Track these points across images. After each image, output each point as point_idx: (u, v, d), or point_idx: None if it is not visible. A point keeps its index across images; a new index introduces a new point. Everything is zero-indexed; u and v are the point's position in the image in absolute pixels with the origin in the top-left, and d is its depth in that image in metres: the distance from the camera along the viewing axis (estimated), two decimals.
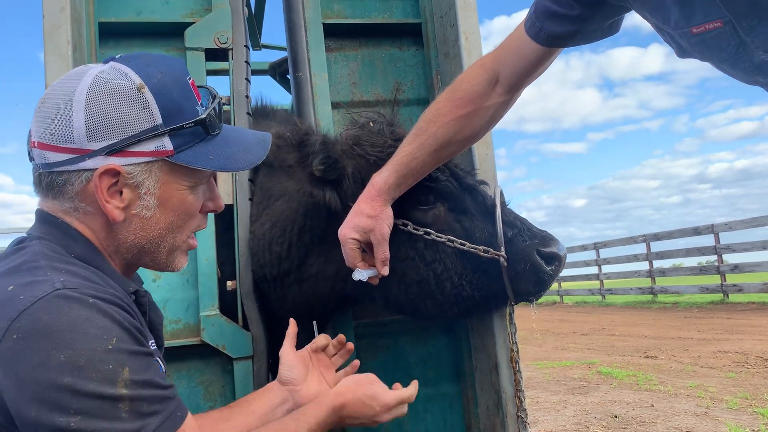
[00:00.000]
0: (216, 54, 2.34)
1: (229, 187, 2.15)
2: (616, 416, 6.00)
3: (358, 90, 2.57)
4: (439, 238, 1.82)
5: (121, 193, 1.18)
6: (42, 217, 1.21)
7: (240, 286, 2.09)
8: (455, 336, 2.46)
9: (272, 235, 2.01)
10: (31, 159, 1.20)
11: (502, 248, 1.80)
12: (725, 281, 15.49)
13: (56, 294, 1.00)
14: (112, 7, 2.34)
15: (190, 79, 1.24)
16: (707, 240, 15.70)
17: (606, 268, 21.06)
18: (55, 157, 1.14)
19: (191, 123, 1.20)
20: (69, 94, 1.14)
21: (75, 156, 1.13)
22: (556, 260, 1.83)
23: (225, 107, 2.37)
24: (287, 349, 1.70)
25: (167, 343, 1.84)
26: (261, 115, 2.56)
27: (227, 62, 2.34)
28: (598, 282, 21.32)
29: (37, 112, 1.17)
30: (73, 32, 2.00)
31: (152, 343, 1.24)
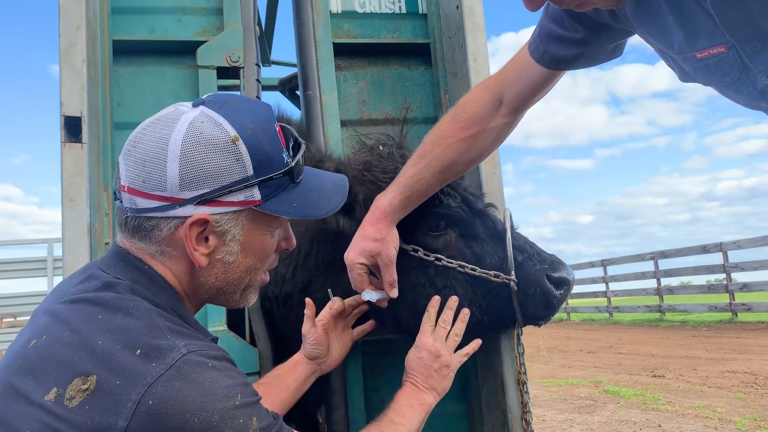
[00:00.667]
0: (227, 72, 2.38)
1: None
2: None
3: (367, 108, 2.59)
4: (450, 264, 1.82)
5: (207, 239, 1.19)
6: (125, 258, 1.21)
7: None
8: None
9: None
10: (118, 200, 1.20)
11: (513, 273, 1.80)
12: (734, 300, 15.36)
13: (185, 360, 1.02)
14: (126, 25, 2.38)
15: (277, 125, 1.25)
16: (716, 258, 15.61)
17: (613, 286, 20.95)
18: (145, 203, 1.15)
19: (280, 174, 1.21)
20: (163, 141, 1.14)
21: (166, 204, 1.14)
22: (565, 285, 1.84)
23: None
24: (309, 328, 1.81)
25: None
26: None
27: (238, 80, 2.37)
28: (606, 299, 21.19)
29: (127, 155, 1.17)
30: (88, 50, 2.03)
31: None
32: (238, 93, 2.40)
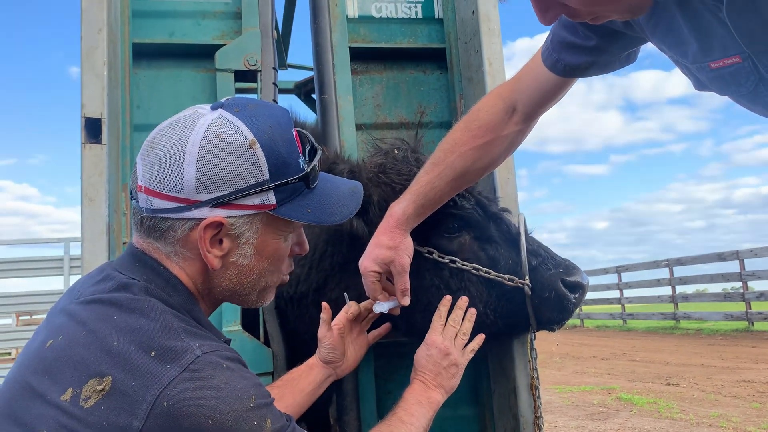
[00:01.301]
0: (245, 75, 2.41)
1: None
2: None
3: (382, 112, 2.61)
4: (464, 267, 1.83)
5: (221, 242, 1.20)
6: (140, 258, 1.22)
7: None
8: (473, 358, 2.46)
9: None
10: (134, 200, 1.22)
11: (527, 277, 1.81)
12: (750, 309, 15.15)
13: (199, 361, 1.03)
14: (145, 28, 2.42)
15: (294, 130, 1.26)
16: (732, 266, 15.42)
17: (628, 293, 20.76)
18: (161, 203, 1.16)
19: (295, 179, 1.22)
20: (181, 143, 1.15)
21: (182, 205, 1.15)
22: (580, 289, 1.84)
23: None
24: (325, 332, 1.80)
25: None
26: None
27: (255, 83, 2.40)
28: (620, 306, 21.01)
29: (144, 156, 1.18)
30: (109, 53, 2.07)
31: None
32: (255, 97, 2.42)
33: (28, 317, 13.85)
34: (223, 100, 1.25)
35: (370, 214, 1.87)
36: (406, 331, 1.96)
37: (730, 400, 7.58)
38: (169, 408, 0.97)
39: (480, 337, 1.82)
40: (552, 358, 13.32)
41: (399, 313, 1.82)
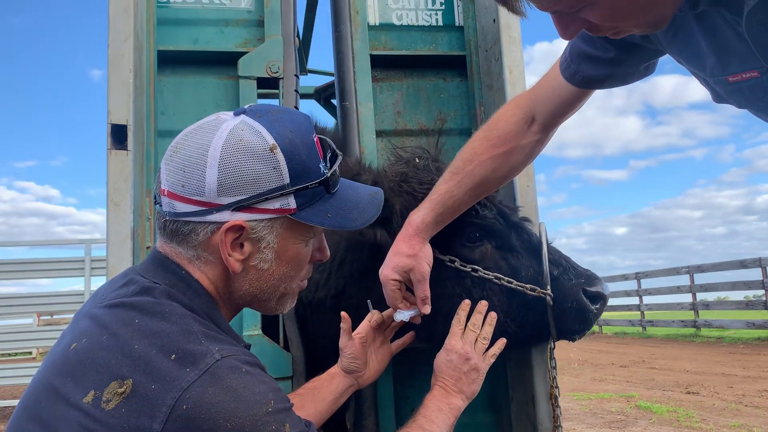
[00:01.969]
0: (267, 82, 2.44)
1: None
2: None
3: (402, 119, 2.62)
4: (486, 276, 1.83)
5: (242, 245, 1.21)
6: (163, 262, 1.24)
7: None
8: (491, 365, 2.46)
9: None
10: (158, 204, 1.24)
11: (548, 287, 1.81)
12: None
13: (218, 365, 1.04)
14: (170, 35, 2.46)
15: (315, 136, 1.28)
16: (754, 273, 15.18)
17: (647, 299, 20.53)
18: (183, 207, 1.18)
19: (315, 183, 1.24)
20: (203, 147, 1.17)
21: (203, 209, 1.17)
22: (601, 299, 1.84)
23: None
24: (346, 341, 1.80)
25: None
26: None
27: (277, 90, 2.43)
28: (639, 313, 20.78)
29: (168, 160, 1.21)
30: (135, 60, 2.10)
31: None
32: (277, 103, 2.45)
33: (49, 317, 14.04)
34: (245, 106, 1.27)
35: (393, 223, 1.87)
36: (426, 337, 1.97)
37: (752, 410, 7.46)
38: (188, 411, 0.98)
39: (501, 341, 1.81)
40: (570, 365, 13.22)
41: (420, 321, 1.82)
